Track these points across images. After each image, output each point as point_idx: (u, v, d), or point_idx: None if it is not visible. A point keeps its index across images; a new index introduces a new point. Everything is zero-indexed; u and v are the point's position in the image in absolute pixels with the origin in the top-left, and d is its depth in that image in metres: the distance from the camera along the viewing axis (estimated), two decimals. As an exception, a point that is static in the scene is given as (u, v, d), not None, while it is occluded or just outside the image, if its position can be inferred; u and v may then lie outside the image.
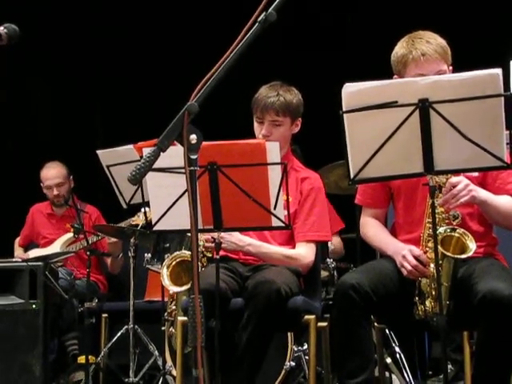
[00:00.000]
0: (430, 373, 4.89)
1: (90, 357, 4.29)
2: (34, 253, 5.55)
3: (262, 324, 3.25)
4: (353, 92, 2.79)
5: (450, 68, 3.17)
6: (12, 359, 4.83)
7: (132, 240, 4.80)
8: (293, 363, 4.33)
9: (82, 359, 4.47)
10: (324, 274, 4.80)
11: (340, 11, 6.06)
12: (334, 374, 3.68)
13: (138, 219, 4.86)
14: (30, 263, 4.99)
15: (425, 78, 2.85)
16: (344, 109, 2.80)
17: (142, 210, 4.65)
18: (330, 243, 4.90)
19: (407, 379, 4.56)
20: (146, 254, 4.82)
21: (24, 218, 5.85)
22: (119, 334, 4.85)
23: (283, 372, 4.30)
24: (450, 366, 4.46)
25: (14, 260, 5.32)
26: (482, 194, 3.06)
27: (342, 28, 6.08)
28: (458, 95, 2.71)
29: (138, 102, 6.45)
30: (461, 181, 2.99)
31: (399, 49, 3.22)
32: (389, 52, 3.26)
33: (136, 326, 4.77)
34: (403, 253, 3.10)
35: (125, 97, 6.50)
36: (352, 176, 2.85)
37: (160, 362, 4.63)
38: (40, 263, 4.97)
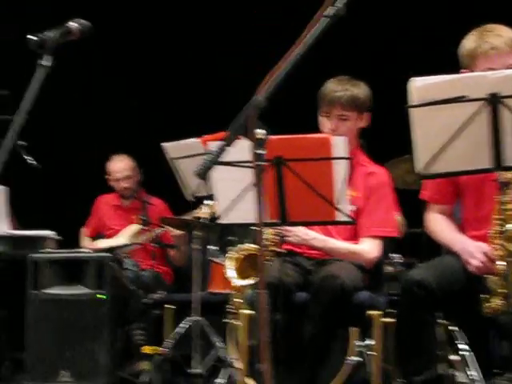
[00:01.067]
0: (497, 371, 4.81)
1: (154, 347, 4.34)
2: (101, 243, 5.64)
3: (326, 318, 3.25)
4: (420, 86, 2.75)
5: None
6: (79, 348, 4.92)
7: (197, 232, 4.83)
8: (356, 358, 4.32)
9: (147, 349, 4.53)
10: (388, 269, 4.77)
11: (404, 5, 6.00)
12: (399, 370, 3.66)
13: (203, 211, 4.89)
14: (97, 254, 5.07)
15: (495, 72, 2.80)
16: (411, 103, 2.77)
17: (206, 202, 4.69)
18: None
19: (472, 377, 4.50)
20: (210, 247, 4.85)
21: (90, 209, 5.94)
22: (183, 325, 4.90)
23: (346, 367, 4.29)
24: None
25: (81, 250, 5.42)
26: None
27: (410, 22, 6.01)
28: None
29: (203, 96, 6.49)
30: None
31: (468, 42, 3.17)
32: (456, 46, 3.22)
33: (200, 318, 4.81)
34: (470, 249, 3.06)
35: (190, 90, 6.54)
36: (419, 171, 2.82)
37: (223, 354, 4.66)
38: (107, 254, 5.05)
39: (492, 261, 3.00)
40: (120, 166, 5.72)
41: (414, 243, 5.13)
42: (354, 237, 3.60)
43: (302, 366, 3.31)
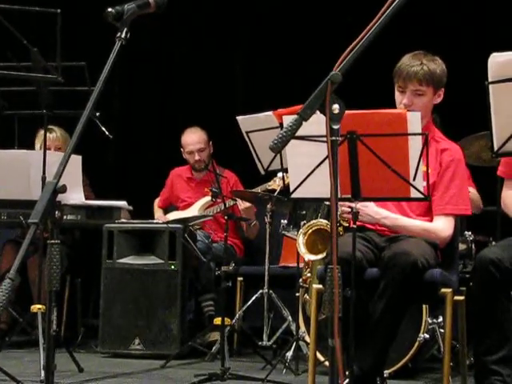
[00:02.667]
0: None
1: (225, 319, 4.39)
2: (174, 215, 5.71)
3: (397, 295, 3.23)
4: (501, 62, 2.71)
5: None
6: (152, 317, 5.02)
7: (269, 206, 4.85)
8: (427, 336, 4.30)
9: (217, 321, 4.58)
10: (462, 246, 4.72)
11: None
12: (470, 349, 3.63)
13: (275, 184, 4.90)
14: (169, 225, 5.14)
15: None
16: (490, 79, 2.72)
17: (279, 174, 4.69)
18: None
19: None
20: (282, 220, 4.86)
21: (164, 181, 6.01)
22: (254, 297, 4.94)
23: (417, 344, 4.27)
24: None
25: (154, 221, 5.50)
26: None
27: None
28: None
29: (279, 69, 6.47)
30: None
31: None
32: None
33: (270, 291, 4.84)
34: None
35: (265, 63, 6.53)
36: (496, 148, 2.78)
37: (293, 328, 4.68)
38: (179, 225, 5.11)
39: None
40: (194, 139, 5.76)
41: (489, 221, 5.06)
42: (428, 213, 3.56)
43: (372, 342, 3.30)
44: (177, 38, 6.75)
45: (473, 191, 4.97)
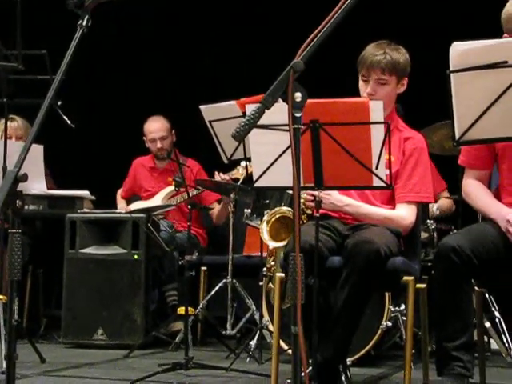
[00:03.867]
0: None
1: (189, 308, 4.38)
2: (137, 205, 5.68)
3: (360, 283, 3.24)
4: (461, 51, 2.72)
5: None
6: (115, 307, 4.99)
7: (232, 195, 4.85)
8: (389, 323, 4.33)
9: (181, 310, 4.57)
10: (424, 235, 4.76)
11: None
12: (432, 336, 3.67)
13: (238, 173, 4.90)
14: (133, 215, 5.11)
15: (538, 37, 2.76)
16: (451, 68, 2.73)
17: (242, 163, 4.69)
18: (434, 207, 4.87)
19: (506, 344, 4.49)
20: (245, 210, 4.86)
21: (127, 171, 5.98)
22: (218, 287, 4.94)
23: (379, 332, 4.30)
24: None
25: (117, 211, 5.47)
26: None
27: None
28: None
29: (242, 58, 6.47)
30: None
31: (510, 7, 3.12)
32: (498, 11, 3.16)
33: (234, 280, 4.84)
34: (508, 217, 3.04)
35: (229, 52, 6.52)
36: (457, 137, 2.79)
37: (257, 317, 4.69)
38: (142, 215, 5.09)
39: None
40: (156, 127, 5.74)
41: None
42: (391, 201, 3.59)
43: (335, 330, 3.32)
44: (139, 27, 6.71)
45: (444, 196, 5.06)
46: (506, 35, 3.12)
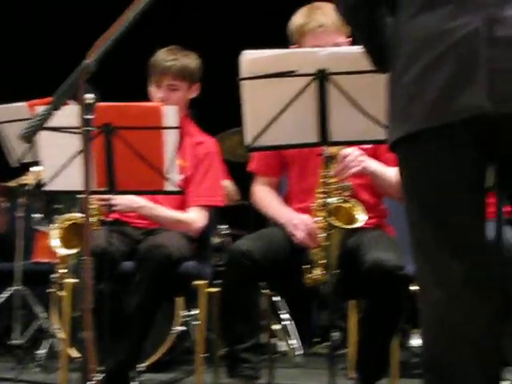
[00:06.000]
0: (317, 340, 4.99)
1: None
2: None
3: (152, 288, 3.24)
4: (251, 59, 2.78)
5: (348, 40, 3.19)
6: None
7: (21, 200, 4.69)
8: (182, 328, 4.35)
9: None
10: (217, 239, 4.83)
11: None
12: (223, 339, 3.72)
13: (28, 178, 4.75)
14: None
15: (324, 49, 2.86)
16: (242, 76, 2.79)
17: (32, 169, 4.55)
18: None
19: (293, 346, 4.64)
20: (35, 215, 4.72)
21: None
22: (6, 295, 4.76)
23: (172, 336, 4.31)
24: (336, 333, 4.56)
25: None
26: (373, 164, 3.13)
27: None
28: (356, 68, 2.74)
29: (33, 58, 6.28)
30: (351, 152, 3.04)
31: (297, 19, 3.23)
32: (288, 20, 3.26)
33: (23, 287, 4.68)
34: (295, 222, 3.14)
35: (18, 52, 6.32)
36: (248, 143, 2.86)
37: (46, 325, 4.57)
38: None
39: (315, 233, 3.08)
40: None
41: (243, 215, 5.20)
42: (183, 205, 3.61)
43: (126, 336, 3.29)
44: None
45: (228, 183, 5.11)
46: (294, 46, 3.22)
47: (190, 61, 3.60)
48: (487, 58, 1.78)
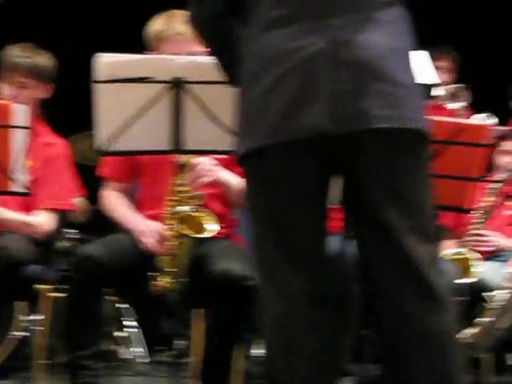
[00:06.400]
0: (162, 348, 4.96)
1: None
2: None
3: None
4: (107, 63, 2.75)
5: (206, 50, 3.19)
6: None
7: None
8: (22, 333, 4.22)
9: None
10: (64, 244, 4.72)
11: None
12: (65, 345, 3.63)
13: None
14: None
15: (181, 56, 2.87)
16: (96, 79, 2.75)
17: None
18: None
19: (135, 353, 4.61)
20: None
21: None
22: None
23: (9, 342, 4.17)
24: (181, 342, 4.55)
25: None
26: (225, 175, 3.15)
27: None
28: (212, 78, 2.74)
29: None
30: (203, 161, 3.05)
31: (155, 25, 3.22)
32: (144, 25, 3.25)
33: None
34: (142, 228, 3.13)
35: None
36: (99, 147, 2.82)
37: None
38: None
39: (163, 240, 3.07)
40: None
41: (92, 220, 5.12)
42: (29, 207, 3.52)
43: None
44: None
45: (80, 200, 5.03)
46: (149, 52, 3.20)
47: (43, 60, 3.52)
48: (328, 79, 1.83)
